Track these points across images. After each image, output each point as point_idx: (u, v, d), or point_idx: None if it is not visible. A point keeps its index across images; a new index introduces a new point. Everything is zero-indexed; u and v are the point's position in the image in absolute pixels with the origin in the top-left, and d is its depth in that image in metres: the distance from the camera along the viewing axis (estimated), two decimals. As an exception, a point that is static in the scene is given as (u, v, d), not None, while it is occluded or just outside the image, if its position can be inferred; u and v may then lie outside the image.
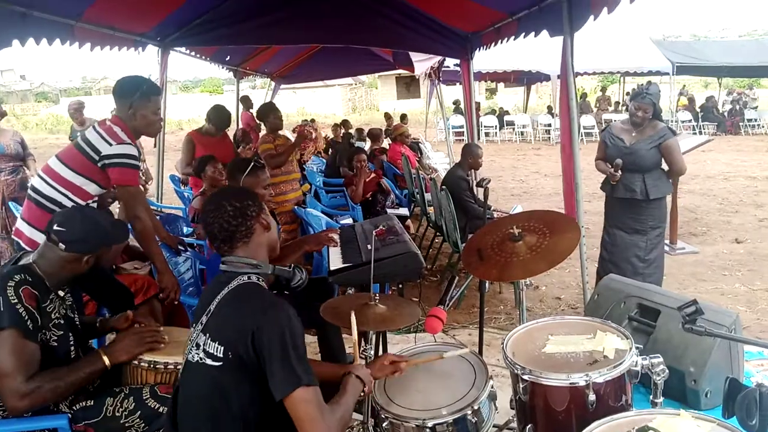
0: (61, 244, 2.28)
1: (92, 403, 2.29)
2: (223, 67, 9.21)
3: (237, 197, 2.01)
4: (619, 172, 4.34)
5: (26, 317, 2.11)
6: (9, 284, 2.13)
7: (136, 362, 2.40)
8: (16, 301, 2.10)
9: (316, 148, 8.56)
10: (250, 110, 11.36)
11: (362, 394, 2.05)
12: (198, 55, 7.26)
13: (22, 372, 2.08)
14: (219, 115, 5.75)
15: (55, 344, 2.25)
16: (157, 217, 4.62)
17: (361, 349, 2.39)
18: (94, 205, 3.19)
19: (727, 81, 25.15)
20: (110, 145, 3.05)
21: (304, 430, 1.71)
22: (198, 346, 1.84)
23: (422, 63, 10.23)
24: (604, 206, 4.78)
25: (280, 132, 5.78)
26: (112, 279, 3.40)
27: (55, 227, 2.30)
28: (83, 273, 2.40)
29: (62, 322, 2.30)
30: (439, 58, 9.16)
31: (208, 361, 1.80)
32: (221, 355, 1.78)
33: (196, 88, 48.77)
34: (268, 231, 2.06)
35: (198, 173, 4.87)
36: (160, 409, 2.26)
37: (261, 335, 1.74)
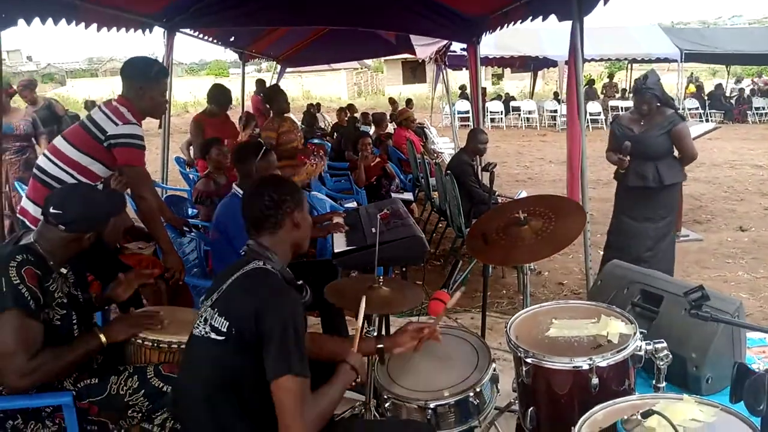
0: (60, 225, 2.28)
1: (97, 381, 2.31)
2: (228, 49, 9.16)
3: (278, 188, 2.04)
4: (628, 157, 4.30)
5: (29, 297, 2.12)
6: (11, 264, 2.13)
7: (140, 341, 2.42)
8: (18, 281, 2.11)
9: (308, 173, 8.44)
10: (259, 94, 11.14)
11: (354, 383, 2.06)
12: (204, 37, 7.22)
13: (24, 351, 2.09)
14: (219, 93, 5.76)
15: (58, 323, 2.26)
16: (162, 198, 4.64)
17: (365, 331, 2.41)
18: (100, 187, 3.20)
19: (736, 69, 24.94)
20: (116, 125, 3.05)
21: (281, 417, 1.73)
22: (205, 320, 1.88)
23: (424, 47, 10.15)
24: (615, 194, 4.74)
25: (287, 115, 5.76)
26: (116, 259, 3.42)
27: (51, 210, 2.28)
28: (86, 249, 2.41)
29: (65, 300, 2.31)
30: (444, 42, 9.09)
31: (213, 335, 1.83)
32: (225, 330, 1.81)
33: (202, 70, 48.56)
34: (297, 230, 2.07)
35: (203, 155, 4.87)
36: (164, 388, 2.28)
37: (265, 316, 1.77)
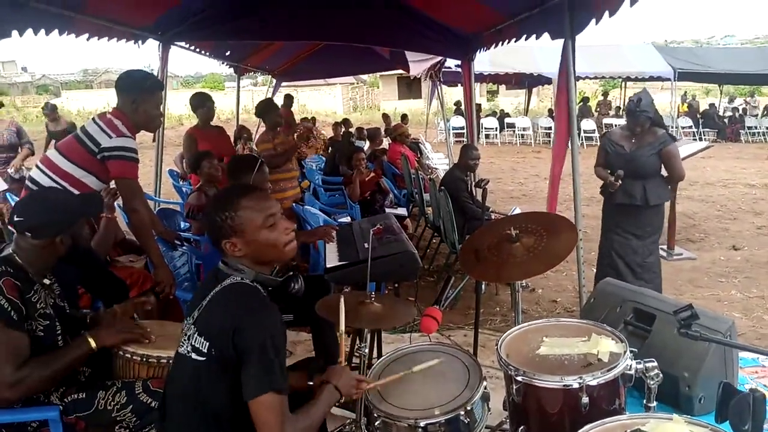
0: (27, 233, 2.27)
1: (84, 395, 2.29)
2: (223, 63, 9.20)
3: (217, 203, 1.97)
4: (619, 182, 4.35)
5: (9, 308, 2.10)
6: None
7: (128, 356, 2.39)
8: None
9: (316, 148, 8.56)
10: (290, 109, 11.72)
11: (338, 403, 2.02)
12: (199, 50, 7.24)
13: (9, 362, 2.07)
14: (197, 99, 5.78)
15: (42, 334, 2.24)
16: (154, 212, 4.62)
17: (357, 347, 2.39)
18: None
19: (728, 88, 25.16)
20: (110, 137, 3.04)
21: None
22: (188, 338, 1.85)
23: (418, 64, 10.21)
24: (602, 210, 4.78)
25: (279, 129, 5.76)
26: (107, 271, 3.40)
27: (15, 218, 2.29)
28: (63, 254, 2.40)
29: (48, 312, 2.29)
30: (439, 58, 9.15)
31: (193, 355, 1.81)
32: (205, 350, 1.79)
33: (198, 83, 48.70)
34: (256, 238, 1.92)
35: (194, 169, 4.86)
36: (152, 404, 2.26)
37: (243, 334, 1.74)
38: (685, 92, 25.92)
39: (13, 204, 3.80)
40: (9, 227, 2.38)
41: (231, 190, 2.06)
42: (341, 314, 2.11)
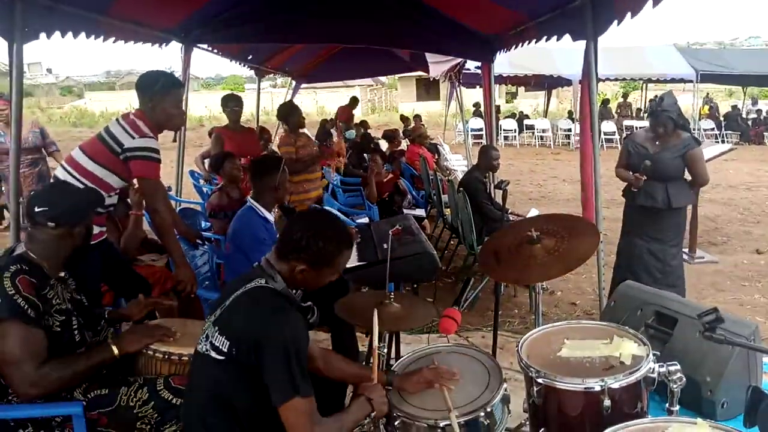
0: (49, 222, 2.29)
1: (106, 391, 2.31)
2: (244, 65, 9.26)
3: (324, 234, 1.97)
4: (644, 177, 4.28)
5: (26, 306, 2.13)
6: (5, 275, 2.15)
7: (150, 353, 2.42)
8: (13, 292, 2.12)
9: (335, 166, 8.58)
10: (353, 110, 14.28)
11: (368, 417, 2.03)
12: (220, 53, 7.30)
13: (31, 359, 2.11)
14: (222, 100, 5.89)
15: (58, 329, 2.26)
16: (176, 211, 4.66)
17: (377, 346, 2.39)
18: (114, 198, 3.23)
19: (752, 90, 24.79)
20: (133, 138, 3.08)
21: None
22: (207, 337, 1.87)
23: (438, 65, 10.19)
24: (623, 212, 4.72)
25: (302, 131, 5.79)
26: (130, 270, 3.44)
27: (37, 209, 2.31)
28: (80, 246, 2.43)
29: (65, 307, 2.32)
30: (459, 60, 9.12)
31: (213, 354, 1.83)
32: (225, 350, 1.81)
33: (219, 85, 49.02)
34: (313, 276, 1.99)
35: (216, 169, 4.90)
36: (174, 400, 2.28)
37: (266, 340, 1.76)
38: (707, 94, 25.61)
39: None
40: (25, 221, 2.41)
41: (346, 233, 2.07)
42: (375, 329, 2.10)
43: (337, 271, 2.04)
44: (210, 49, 6.62)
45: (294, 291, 2.05)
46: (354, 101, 14.30)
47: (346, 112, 14.26)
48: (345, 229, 2.12)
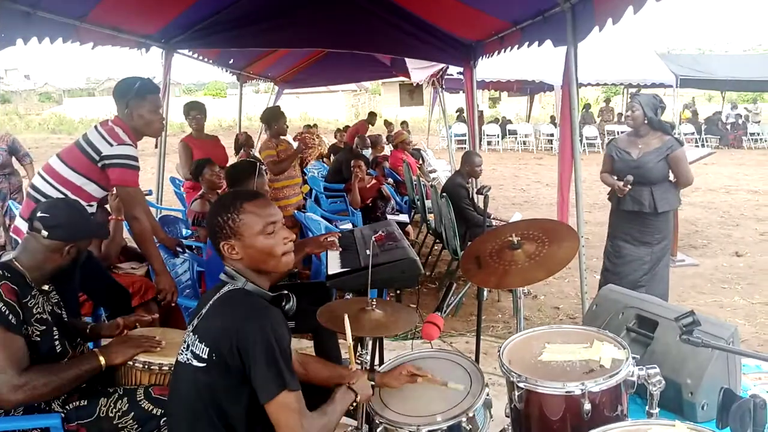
0: (43, 231, 2.28)
1: (86, 402, 2.28)
2: (226, 71, 9.23)
3: (214, 212, 1.96)
4: (629, 187, 4.31)
5: (7, 312, 2.10)
6: None
7: (130, 363, 2.40)
8: None
9: (319, 153, 8.55)
10: (369, 124, 13.18)
11: (354, 403, 2.06)
12: (201, 58, 7.27)
13: (13, 365, 2.08)
14: (184, 108, 5.85)
15: (38, 339, 2.23)
16: (156, 219, 4.63)
17: (357, 354, 2.39)
18: (94, 207, 3.19)
19: (731, 95, 25.16)
20: (111, 145, 3.05)
21: None
22: (188, 346, 1.85)
23: (420, 71, 10.24)
24: (609, 217, 4.75)
25: (283, 137, 5.77)
26: (109, 279, 3.40)
27: (38, 214, 2.32)
28: (65, 266, 2.41)
29: (46, 317, 2.29)
30: (441, 66, 9.17)
31: (194, 362, 1.81)
32: (205, 357, 1.79)
33: (200, 91, 48.80)
34: (250, 251, 1.92)
35: (196, 177, 4.88)
36: (154, 411, 2.26)
37: (246, 340, 1.74)
38: (693, 98, 25.92)
39: (17, 212, 3.81)
40: (11, 234, 2.39)
41: (236, 194, 2.05)
42: (347, 328, 2.11)
43: (263, 228, 1.91)
44: (191, 54, 6.60)
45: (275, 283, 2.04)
46: (372, 116, 13.42)
47: (363, 127, 13.00)
48: (233, 192, 2.14)
